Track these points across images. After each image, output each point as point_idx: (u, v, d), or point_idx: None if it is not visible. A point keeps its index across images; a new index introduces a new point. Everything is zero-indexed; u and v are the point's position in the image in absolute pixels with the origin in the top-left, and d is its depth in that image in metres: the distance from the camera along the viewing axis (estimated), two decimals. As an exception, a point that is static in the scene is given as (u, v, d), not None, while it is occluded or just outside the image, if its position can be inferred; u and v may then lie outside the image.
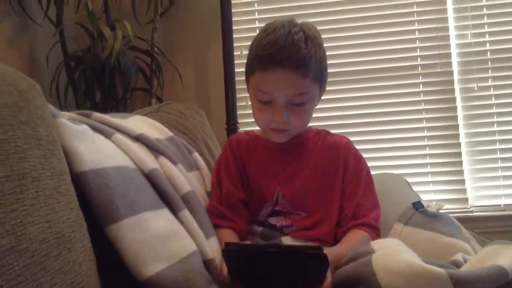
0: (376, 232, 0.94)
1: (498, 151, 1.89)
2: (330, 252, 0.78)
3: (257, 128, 1.06)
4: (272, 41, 0.90)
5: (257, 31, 0.99)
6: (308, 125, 1.06)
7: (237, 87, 1.84)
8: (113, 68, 1.64)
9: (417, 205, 0.99)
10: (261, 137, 1.06)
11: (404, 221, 0.98)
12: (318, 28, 1.97)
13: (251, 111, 1.02)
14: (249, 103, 1.01)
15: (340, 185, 0.99)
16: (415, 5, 1.94)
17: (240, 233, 0.96)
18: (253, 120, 1.02)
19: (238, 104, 1.87)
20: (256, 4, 2.05)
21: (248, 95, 1.02)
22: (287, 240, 0.93)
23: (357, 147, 1.06)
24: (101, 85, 1.69)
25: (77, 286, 0.56)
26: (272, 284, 0.73)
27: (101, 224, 0.66)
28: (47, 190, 0.55)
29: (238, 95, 1.86)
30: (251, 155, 1.04)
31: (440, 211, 1.00)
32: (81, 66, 1.73)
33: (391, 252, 0.71)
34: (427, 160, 1.92)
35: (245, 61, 1.01)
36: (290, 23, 0.94)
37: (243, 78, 1.04)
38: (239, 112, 1.87)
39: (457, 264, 0.77)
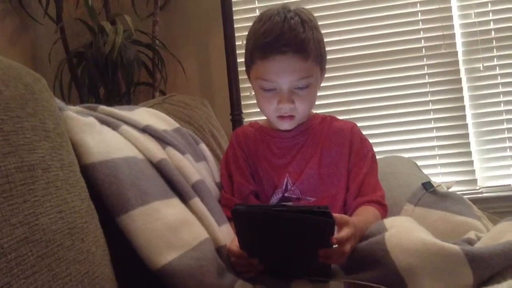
0: (384, 209, 0.94)
1: (506, 131, 1.87)
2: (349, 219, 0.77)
3: (262, 118, 1.06)
4: (269, 29, 0.91)
5: (257, 20, 0.99)
6: (314, 112, 1.06)
7: (240, 77, 1.83)
8: (115, 63, 1.64)
9: (427, 186, 0.99)
10: (267, 127, 1.06)
11: (414, 202, 0.97)
12: (319, 13, 1.96)
13: (255, 101, 1.02)
14: (253, 93, 1.01)
15: (346, 168, 0.99)
16: (417, -13, 1.92)
17: None
18: (257, 110, 1.02)
19: (242, 94, 1.86)
20: (256, -8, 2.03)
21: (251, 85, 1.02)
22: None
23: (364, 132, 1.06)
24: (105, 81, 1.69)
25: (91, 276, 0.56)
26: (280, 248, 0.74)
27: (113, 214, 0.66)
28: (57, 181, 0.56)
29: (241, 85, 1.85)
30: (258, 147, 1.04)
31: (450, 190, 1.00)
32: (84, 62, 1.73)
33: (404, 230, 0.71)
34: (435, 143, 1.91)
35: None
36: (284, 9, 0.94)
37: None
38: (243, 102, 1.87)
39: (470, 242, 0.77)
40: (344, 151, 1.00)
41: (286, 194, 0.99)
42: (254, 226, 0.72)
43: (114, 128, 0.81)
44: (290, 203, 0.97)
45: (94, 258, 0.58)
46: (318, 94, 1.02)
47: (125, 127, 0.82)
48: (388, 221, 0.78)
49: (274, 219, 0.68)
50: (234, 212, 0.70)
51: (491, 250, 0.66)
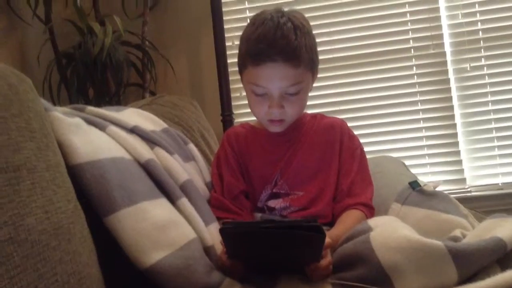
0: (371, 211, 0.96)
1: (494, 130, 1.90)
2: (328, 234, 0.79)
3: (253, 118, 1.07)
4: (261, 35, 0.91)
5: (248, 21, 0.99)
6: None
7: (230, 78, 1.83)
8: (104, 63, 1.63)
9: (414, 185, 1.00)
10: (258, 128, 1.08)
11: (401, 201, 0.98)
12: (309, 15, 1.96)
13: (245, 102, 1.03)
14: (243, 93, 1.03)
15: (337, 163, 1.01)
16: (405, -13, 1.94)
17: None
18: (248, 110, 1.04)
19: (232, 95, 1.87)
20: (245, -7, 2.04)
21: (242, 85, 1.03)
22: None
23: (354, 132, 1.08)
24: (94, 82, 1.68)
25: (78, 276, 0.56)
26: (270, 260, 0.74)
27: (100, 215, 0.66)
28: (43, 182, 0.55)
29: (232, 86, 1.85)
30: (250, 147, 1.05)
31: (437, 189, 1.01)
32: (73, 63, 1.72)
33: (389, 228, 0.72)
34: (424, 143, 1.93)
35: (237, 51, 1.02)
36: (277, 14, 0.94)
37: (236, 69, 1.04)
38: (234, 103, 1.87)
39: (456, 240, 0.77)
40: (335, 146, 1.02)
41: (274, 190, 1.00)
42: (242, 243, 0.71)
43: (101, 128, 0.80)
44: (277, 217, 0.97)
45: (80, 258, 0.58)
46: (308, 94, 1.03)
47: (112, 128, 0.82)
48: (373, 221, 0.79)
49: (263, 236, 0.67)
50: (221, 231, 0.69)
51: (475, 246, 0.66)
